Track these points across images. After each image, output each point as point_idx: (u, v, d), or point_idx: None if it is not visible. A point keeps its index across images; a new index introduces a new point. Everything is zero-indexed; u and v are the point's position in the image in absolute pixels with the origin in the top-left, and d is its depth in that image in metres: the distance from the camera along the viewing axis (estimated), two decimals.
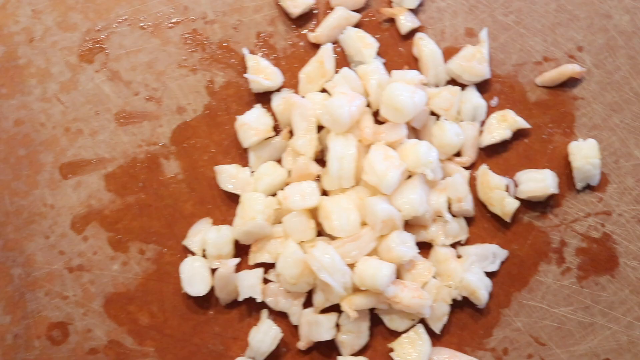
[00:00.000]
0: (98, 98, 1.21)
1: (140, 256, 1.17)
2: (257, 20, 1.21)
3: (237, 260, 1.13)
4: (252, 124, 1.15)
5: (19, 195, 1.18)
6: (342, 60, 1.19)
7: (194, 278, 1.12)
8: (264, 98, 1.19)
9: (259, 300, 1.11)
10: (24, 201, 1.17)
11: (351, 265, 1.09)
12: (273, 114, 1.18)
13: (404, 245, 1.10)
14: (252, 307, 1.15)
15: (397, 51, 1.21)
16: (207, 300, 1.15)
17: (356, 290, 1.10)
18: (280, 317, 1.14)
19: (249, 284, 1.12)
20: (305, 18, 1.21)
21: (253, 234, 1.12)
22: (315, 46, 1.20)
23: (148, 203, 1.18)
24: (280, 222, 1.13)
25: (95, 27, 1.23)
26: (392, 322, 1.14)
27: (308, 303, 1.14)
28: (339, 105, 1.10)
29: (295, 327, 1.14)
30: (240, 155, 1.18)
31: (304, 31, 1.22)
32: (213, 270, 1.13)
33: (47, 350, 1.15)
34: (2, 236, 1.16)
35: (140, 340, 1.15)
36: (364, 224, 1.11)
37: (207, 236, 1.13)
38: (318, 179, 1.14)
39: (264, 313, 1.14)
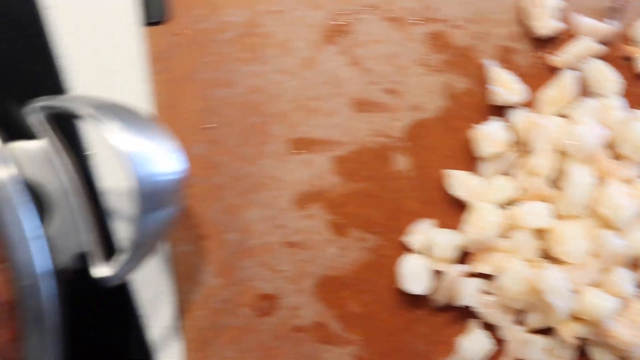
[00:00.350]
0: (336, 80, 1.21)
1: (359, 244, 1.17)
2: (502, 34, 1.23)
3: (464, 267, 1.14)
4: (491, 135, 1.17)
5: (245, 161, 1.18)
6: (580, 88, 1.21)
7: (414, 276, 1.14)
8: (499, 111, 1.20)
9: (478, 309, 1.13)
10: (249, 169, 1.18)
11: (573, 292, 1.11)
12: (511, 129, 1.19)
13: (628, 282, 1.12)
14: (462, 314, 1.16)
15: (631, 90, 1.23)
16: (420, 300, 1.16)
17: (574, 317, 1.11)
18: (486, 329, 1.15)
19: (470, 291, 1.13)
20: (548, 40, 1.23)
21: (480, 243, 1.13)
22: (554, 69, 1.22)
23: (373, 193, 1.18)
24: (505, 236, 1.14)
25: (342, 9, 1.23)
26: (599, 355, 1.15)
27: (517, 320, 1.15)
28: (586, 133, 1.13)
29: (500, 341, 1.15)
30: (471, 163, 1.19)
31: (544, 53, 1.23)
32: (432, 272, 1.14)
33: (252, 320, 1.15)
34: (224, 200, 1.16)
35: (347, 326, 1.16)
36: (591, 253, 1.13)
37: (433, 237, 1.15)
38: (550, 201, 1.15)
39: (474, 322, 1.15)
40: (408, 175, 1.19)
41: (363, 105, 1.21)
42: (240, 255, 1.17)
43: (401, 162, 1.20)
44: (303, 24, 1.22)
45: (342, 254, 1.17)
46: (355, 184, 1.18)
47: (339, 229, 1.17)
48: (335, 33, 1.22)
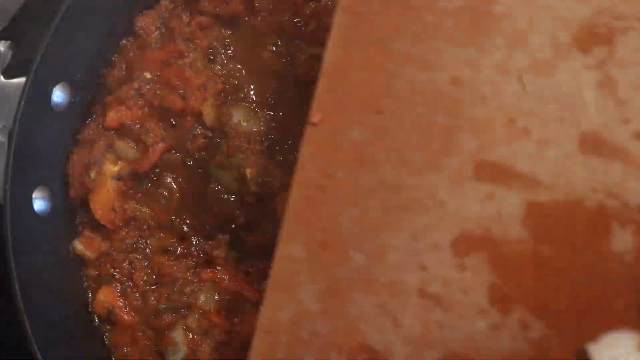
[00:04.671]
0: (572, 101, 0.92)
1: (520, 330, 0.89)
2: None
3: None
4: None
5: (410, 169, 0.95)
6: None
7: None
8: None
9: None
10: (412, 180, 0.94)
11: None
12: None
13: None
14: None
15: None
16: None
17: None
18: None
19: None
20: None
21: None
22: None
23: (565, 268, 0.90)
24: None
25: (614, 11, 0.94)
26: None
27: None
28: None
29: None
30: None
31: None
32: None
33: None
34: (365, 207, 0.97)
35: None
36: None
37: None
38: None
39: None
40: (628, 261, 0.86)
41: (598, 146, 0.91)
42: (358, 285, 0.93)
43: (624, 241, 0.87)
44: (552, 16, 0.96)
45: (491, 334, 0.88)
46: (545, 247, 0.88)
47: (500, 299, 0.88)
48: (593, 39, 0.94)
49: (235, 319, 1.32)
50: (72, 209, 1.39)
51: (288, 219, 0.93)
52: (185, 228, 1.35)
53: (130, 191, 1.35)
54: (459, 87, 0.96)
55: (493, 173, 0.93)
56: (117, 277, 1.35)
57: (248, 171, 1.32)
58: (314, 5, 1.34)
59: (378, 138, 0.97)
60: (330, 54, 1.00)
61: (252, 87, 1.36)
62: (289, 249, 0.95)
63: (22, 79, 1.28)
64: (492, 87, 0.95)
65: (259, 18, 1.37)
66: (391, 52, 0.99)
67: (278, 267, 0.95)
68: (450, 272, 0.91)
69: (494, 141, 0.94)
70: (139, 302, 1.33)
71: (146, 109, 1.35)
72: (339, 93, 0.98)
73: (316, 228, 0.95)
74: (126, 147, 1.35)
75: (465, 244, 0.91)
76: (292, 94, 1.34)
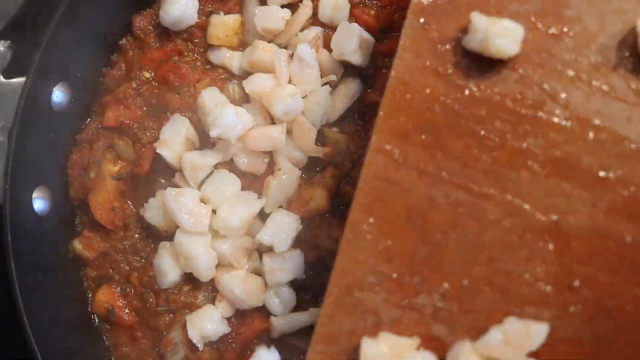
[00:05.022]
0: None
1: None
2: None
3: None
4: None
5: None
6: None
7: None
8: None
9: None
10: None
11: None
12: None
13: None
14: None
15: None
16: None
17: None
18: None
19: None
20: None
21: None
22: None
23: None
24: None
25: None
26: None
27: None
28: None
29: None
30: None
31: None
32: None
33: None
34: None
35: None
36: None
37: None
38: None
39: None
40: None
41: None
42: None
43: None
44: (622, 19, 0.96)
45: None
46: None
47: None
48: None
49: (234, 319, 1.33)
50: (72, 209, 1.38)
51: None
52: None
53: (130, 191, 1.35)
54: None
55: None
56: (115, 277, 1.35)
57: None
58: None
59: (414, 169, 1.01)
60: (401, 52, 1.03)
61: None
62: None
63: (22, 79, 1.28)
64: None
65: None
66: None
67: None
68: None
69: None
70: (138, 303, 1.34)
71: (145, 109, 1.36)
72: (400, 98, 1.01)
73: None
74: (125, 147, 1.36)
75: None
76: None
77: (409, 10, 0.99)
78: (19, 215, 1.23)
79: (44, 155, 1.30)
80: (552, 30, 0.97)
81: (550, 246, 0.94)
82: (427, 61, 0.98)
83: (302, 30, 1.32)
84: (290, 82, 1.28)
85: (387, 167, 0.97)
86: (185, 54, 1.35)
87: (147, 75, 1.35)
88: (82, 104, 1.37)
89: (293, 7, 1.34)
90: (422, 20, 0.98)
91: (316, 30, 1.30)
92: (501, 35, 0.93)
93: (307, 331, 1.29)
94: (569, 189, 0.95)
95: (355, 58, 1.26)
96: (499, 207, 0.95)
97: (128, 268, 1.33)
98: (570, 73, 0.96)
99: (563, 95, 0.96)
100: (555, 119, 0.96)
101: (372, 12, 1.33)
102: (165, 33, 1.36)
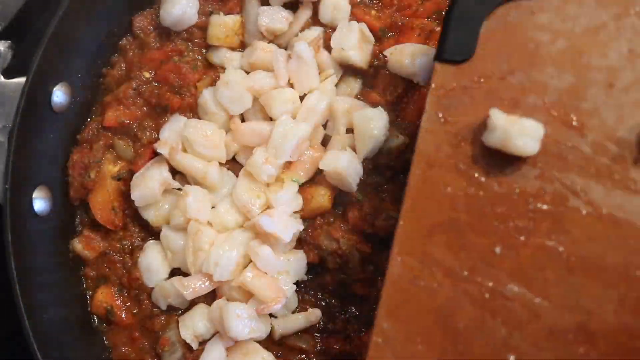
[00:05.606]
0: None
1: None
2: None
3: None
4: None
5: None
6: None
7: None
8: None
9: None
10: None
11: None
12: None
13: None
14: None
15: None
16: None
17: None
18: None
19: None
20: None
21: None
22: None
23: None
24: None
25: None
26: None
27: None
28: None
29: None
30: None
31: None
32: None
33: None
34: None
35: None
36: None
37: None
38: None
39: None
40: None
41: None
42: None
43: None
44: None
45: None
46: None
47: None
48: None
49: None
50: (72, 209, 1.39)
51: None
52: None
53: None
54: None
55: None
56: (112, 278, 1.36)
57: None
58: None
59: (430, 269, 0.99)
60: (420, 143, 1.02)
61: None
62: None
63: (22, 79, 1.28)
64: None
65: None
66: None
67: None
68: None
69: None
70: (133, 304, 1.34)
71: (145, 109, 1.36)
72: (424, 186, 1.00)
73: None
74: (125, 147, 1.36)
75: None
76: None
77: (427, 103, 0.98)
78: (19, 215, 1.23)
79: (44, 155, 1.30)
80: (571, 124, 0.95)
81: (580, 349, 0.91)
82: (447, 157, 0.97)
83: (302, 30, 1.32)
84: (289, 81, 1.28)
85: (411, 269, 0.96)
86: (186, 54, 1.36)
87: (147, 75, 1.36)
88: (82, 104, 1.38)
89: (293, 7, 1.34)
90: (440, 114, 0.97)
91: (317, 31, 1.31)
92: (521, 134, 0.92)
93: (307, 332, 1.29)
94: (594, 287, 0.92)
95: (355, 56, 1.26)
96: (525, 308, 0.93)
97: (124, 269, 1.34)
98: (591, 167, 0.94)
99: (584, 191, 0.93)
100: (578, 215, 0.93)
101: (373, 12, 1.33)
102: (165, 33, 1.37)
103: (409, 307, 0.96)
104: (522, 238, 0.94)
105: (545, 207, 0.94)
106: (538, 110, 0.96)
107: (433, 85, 0.98)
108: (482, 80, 0.97)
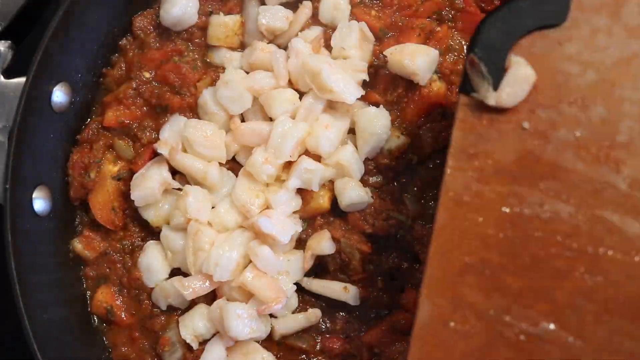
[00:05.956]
0: None
1: None
2: None
3: None
4: None
5: None
6: None
7: None
8: None
9: None
10: None
11: None
12: None
13: None
14: None
15: None
16: None
17: None
18: None
19: None
20: None
21: None
22: None
23: None
24: None
25: None
26: None
27: None
28: None
29: None
30: None
31: None
32: None
33: None
34: None
35: None
36: None
37: None
38: None
39: None
40: None
41: None
42: None
43: None
44: None
45: None
46: None
47: None
48: None
49: None
50: (72, 209, 1.39)
51: None
52: None
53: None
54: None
55: None
56: (112, 277, 1.36)
57: None
58: None
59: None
60: (446, 185, 0.98)
61: None
62: None
63: (22, 79, 1.28)
64: None
65: None
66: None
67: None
68: None
69: None
70: (134, 304, 1.35)
71: (145, 109, 1.37)
72: (450, 225, 0.97)
73: None
74: (125, 147, 1.37)
75: None
76: None
77: (452, 138, 0.94)
78: (19, 215, 1.23)
79: (44, 155, 1.31)
80: (605, 159, 0.91)
81: None
82: (476, 195, 0.92)
83: (302, 30, 1.32)
84: (289, 80, 1.28)
85: (441, 312, 0.92)
86: (186, 54, 1.36)
87: (147, 75, 1.36)
88: (82, 104, 1.38)
89: (293, 7, 1.34)
90: (467, 150, 0.93)
91: (317, 31, 1.31)
92: None
93: (307, 332, 1.30)
94: (632, 329, 0.88)
95: (355, 55, 1.26)
96: (562, 350, 0.89)
97: (124, 269, 1.34)
98: (627, 203, 0.90)
99: (621, 228, 0.89)
100: (614, 254, 0.90)
101: (373, 12, 1.33)
102: (165, 33, 1.37)
103: (441, 352, 0.93)
104: (558, 278, 0.90)
105: (580, 245, 0.90)
106: (569, 145, 0.92)
107: (458, 119, 0.94)
108: (509, 113, 0.93)
